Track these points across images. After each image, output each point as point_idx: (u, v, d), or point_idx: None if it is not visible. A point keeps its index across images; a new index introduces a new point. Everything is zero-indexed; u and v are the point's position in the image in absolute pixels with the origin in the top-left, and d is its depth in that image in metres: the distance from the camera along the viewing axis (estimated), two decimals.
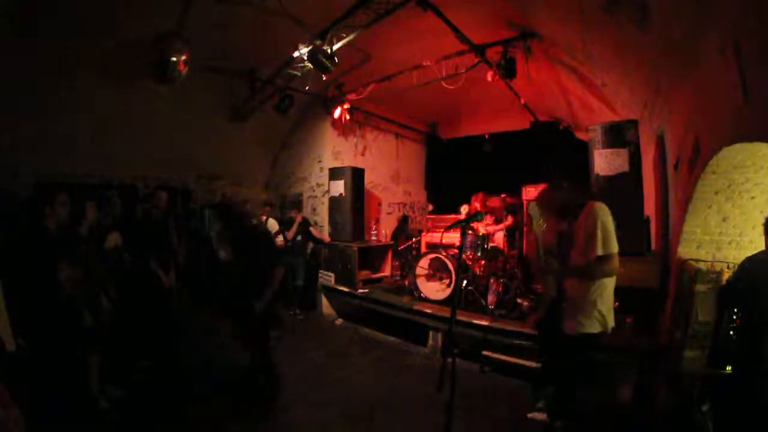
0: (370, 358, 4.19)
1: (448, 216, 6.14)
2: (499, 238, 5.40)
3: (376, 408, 3.04)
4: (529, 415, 2.88)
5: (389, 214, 7.62)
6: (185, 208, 5.72)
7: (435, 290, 4.71)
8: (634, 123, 3.33)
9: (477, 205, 5.11)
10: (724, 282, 2.45)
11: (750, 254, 2.30)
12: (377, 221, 6.81)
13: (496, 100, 5.81)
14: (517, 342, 3.59)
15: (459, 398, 1.87)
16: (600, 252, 2.16)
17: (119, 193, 4.23)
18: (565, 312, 2.38)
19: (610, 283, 2.30)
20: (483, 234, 4.76)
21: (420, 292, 4.73)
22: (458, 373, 1.85)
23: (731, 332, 2.35)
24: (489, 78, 4.38)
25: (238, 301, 3.02)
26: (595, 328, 2.26)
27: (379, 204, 7.38)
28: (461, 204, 5.61)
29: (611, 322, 2.32)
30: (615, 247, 2.18)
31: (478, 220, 2.44)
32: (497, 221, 5.44)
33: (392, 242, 6.26)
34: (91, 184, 4.65)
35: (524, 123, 6.42)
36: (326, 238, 6.01)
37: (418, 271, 4.80)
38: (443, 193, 8.16)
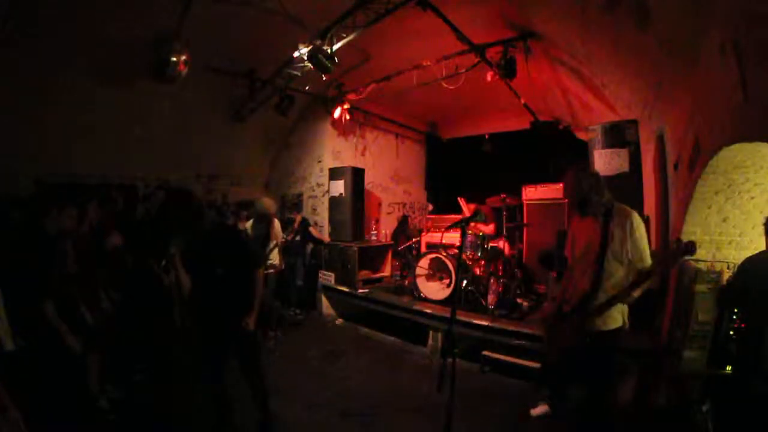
0: (370, 358, 4.19)
1: (448, 216, 6.14)
2: (500, 240, 5.40)
3: (376, 408, 3.04)
4: (532, 413, 2.90)
5: (389, 214, 7.62)
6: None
7: (435, 290, 4.71)
8: (634, 123, 3.33)
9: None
10: (724, 282, 2.45)
11: (750, 254, 2.30)
12: (377, 221, 6.80)
13: (496, 100, 5.81)
14: (517, 342, 3.59)
15: (459, 398, 1.87)
16: (648, 262, 2.16)
17: (119, 193, 4.23)
18: (590, 311, 2.30)
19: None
20: (483, 234, 4.76)
21: (420, 292, 4.73)
22: (458, 373, 1.85)
23: (731, 332, 2.35)
24: (489, 78, 4.38)
25: (224, 320, 2.41)
26: (619, 322, 2.30)
27: (379, 204, 7.38)
28: (461, 203, 5.65)
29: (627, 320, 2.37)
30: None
31: (478, 220, 2.42)
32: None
33: (392, 242, 6.25)
34: (91, 184, 4.65)
35: (524, 123, 6.41)
36: (326, 238, 6.01)
37: (418, 271, 4.80)
38: (443, 193, 8.16)
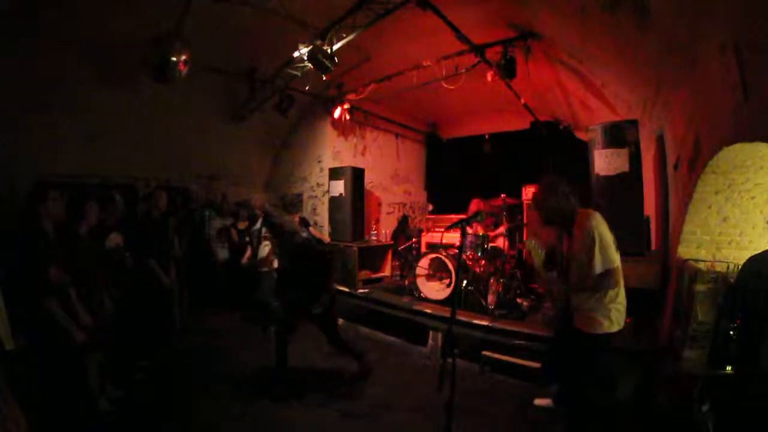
0: (370, 358, 4.18)
1: (448, 216, 6.14)
2: (500, 240, 5.40)
3: (376, 408, 3.04)
4: (536, 402, 2.93)
5: (389, 214, 7.62)
6: (185, 208, 5.73)
7: (435, 290, 4.71)
8: (634, 123, 3.32)
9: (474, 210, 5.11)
10: (729, 284, 2.44)
11: (751, 254, 2.30)
12: (377, 221, 6.81)
13: (496, 100, 5.81)
14: (517, 342, 3.59)
15: (459, 398, 1.87)
16: (599, 269, 2.15)
17: (119, 193, 4.23)
18: (578, 312, 2.38)
19: (621, 286, 2.32)
20: (483, 234, 4.76)
21: (420, 292, 4.73)
22: (458, 373, 1.85)
23: (731, 332, 2.35)
24: (489, 78, 4.38)
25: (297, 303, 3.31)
26: (613, 327, 2.29)
27: (379, 204, 7.38)
28: (461, 205, 5.60)
29: (623, 321, 2.35)
30: (615, 261, 2.18)
31: (478, 221, 2.45)
32: (496, 225, 5.44)
33: (392, 242, 6.25)
34: (91, 184, 4.65)
35: (524, 123, 6.42)
36: (326, 238, 6.00)
37: (418, 271, 4.80)
38: (443, 193, 8.17)
